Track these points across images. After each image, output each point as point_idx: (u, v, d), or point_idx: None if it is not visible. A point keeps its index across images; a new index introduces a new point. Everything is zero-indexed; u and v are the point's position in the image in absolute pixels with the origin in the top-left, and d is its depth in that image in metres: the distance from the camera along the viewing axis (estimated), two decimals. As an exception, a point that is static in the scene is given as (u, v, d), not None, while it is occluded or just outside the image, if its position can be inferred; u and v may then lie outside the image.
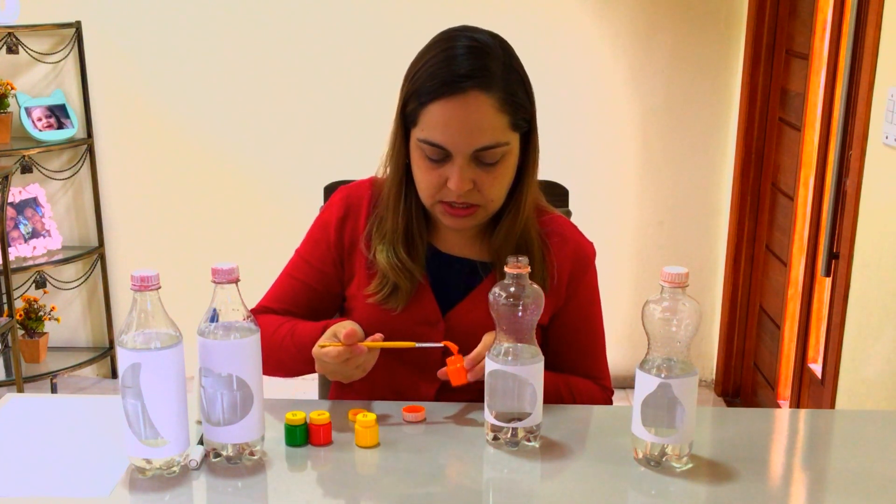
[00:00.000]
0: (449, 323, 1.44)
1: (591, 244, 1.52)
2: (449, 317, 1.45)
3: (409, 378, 1.46)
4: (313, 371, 1.43)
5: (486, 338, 1.34)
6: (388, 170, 1.44)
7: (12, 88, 3.24)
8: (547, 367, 1.29)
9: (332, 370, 1.31)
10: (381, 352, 1.40)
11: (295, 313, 1.50)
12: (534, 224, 1.45)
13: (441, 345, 1.34)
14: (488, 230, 1.45)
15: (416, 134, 1.34)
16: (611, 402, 1.54)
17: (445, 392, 1.43)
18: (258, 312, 1.50)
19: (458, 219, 1.38)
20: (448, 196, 1.35)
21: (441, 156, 1.33)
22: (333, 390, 1.60)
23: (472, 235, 1.47)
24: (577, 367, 1.50)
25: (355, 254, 1.48)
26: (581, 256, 1.49)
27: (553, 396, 1.40)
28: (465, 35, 1.35)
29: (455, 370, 1.31)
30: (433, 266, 1.46)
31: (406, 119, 1.37)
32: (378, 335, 1.33)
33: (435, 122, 1.31)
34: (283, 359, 1.43)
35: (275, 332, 1.43)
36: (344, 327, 1.30)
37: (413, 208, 1.43)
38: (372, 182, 1.51)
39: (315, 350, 1.32)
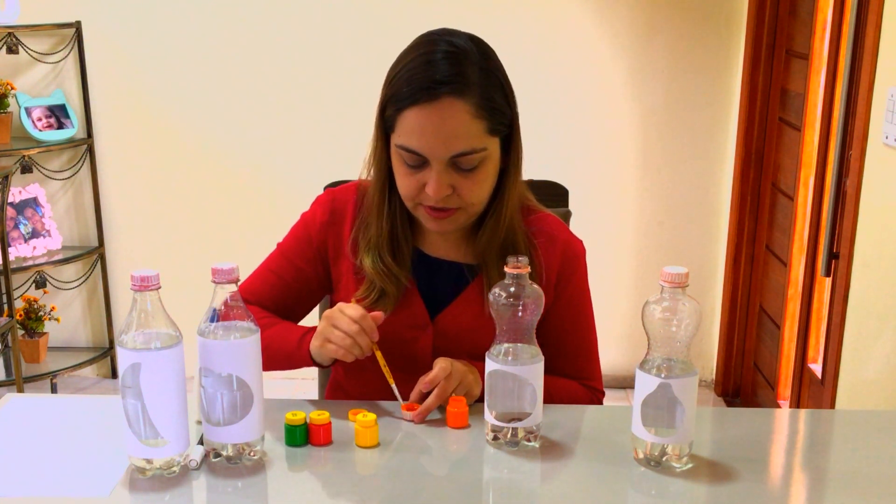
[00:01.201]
0: (437, 326, 1.44)
1: (580, 242, 1.50)
2: (437, 320, 1.44)
3: (402, 383, 1.45)
4: (273, 368, 1.42)
5: (437, 368, 1.33)
6: (370, 173, 1.43)
7: (12, 88, 3.24)
8: None
9: (337, 322, 1.30)
10: (372, 359, 1.40)
11: (268, 307, 1.50)
12: (519, 225, 1.44)
13: (403, 400, 1.36)
14: (473, 233, 1.45)
15: (394, 139, 1.34)
16: (601, 404, 1.52)
17: None
18: None
19: (439, 221, 1.38)
20: (428, 200, 1.35)
21: (419, 161, 1.33)
22: (330, 390, 1.60)
23: (458, 238, 1.46)
24: (566, 369, 1.48)
25: (341, 259, 1.48)
26: (570, 255, 1.48)
27: None
28: (444, 39, 1.34)
29: (455, 413, 1.32)
30: (420, 270, 1.46)
31: (385, 124, 1.37)
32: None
33: (411, 128, 1.31)
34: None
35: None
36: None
37: (397, 212, 1.43)
38: (357, 186, 1.50)
39: (337, 305, 1.33)
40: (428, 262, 1.47)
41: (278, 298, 1.50)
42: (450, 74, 1.29)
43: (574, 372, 1.49)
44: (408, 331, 1.43)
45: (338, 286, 1.49)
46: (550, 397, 1.42)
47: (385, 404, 1.39)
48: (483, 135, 1.32)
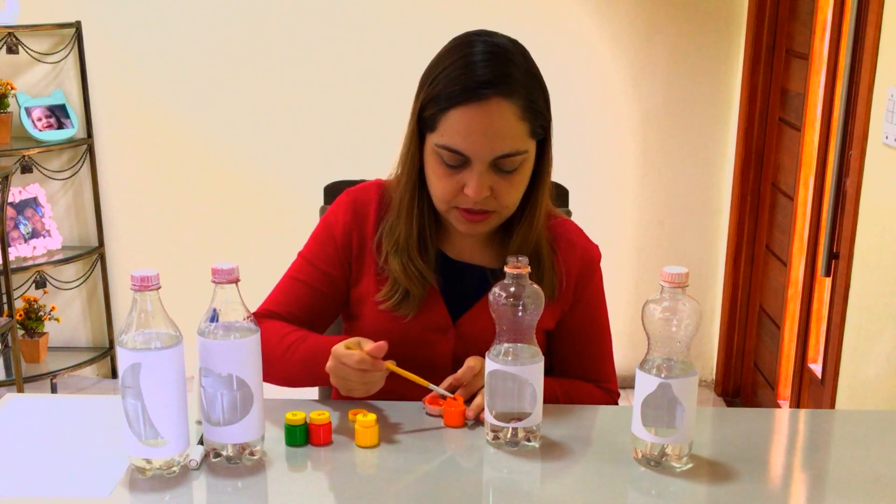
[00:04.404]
0: (459, 330, 1.44)
1: (596, 247, 1.52)
2: (459, 323, 1.44)
3: (414, 383, 1.45)
4: (314, 384, 1.42)
5: (466, 367, 1.34)
6: (400, 173, 1.42)
7: (12, 88, 3.24)
8: (552, 372, 1.27)
9: (344, 375, 1.29)
10: (385, 359, 1.40)
11: (298, 316, 1.48)
12: (544, 231, 1.45)
13: (452, 395, 1.33)
14: (498, 236, 1.45)
15: (435, 139, 1.33)
16: (616, 405, 1.53)
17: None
18: (262, 317, 1.47)
19: (473, 224, 1.37)
20: (464, 202, 1.34)
21: (459, 162, 1.32)
22: (336, 390, 1.60)
23: (483, 242, 1.46)
24: (582, 371, 1.50)
25: (364, 258, 1.47)
26: (587, 260, 1.49)
27: (549, 402, 1.40)
28: (484, 40, 1.33)
29: (453, 412, 1.31)
30: (443, 273, 1.45)
31: (423, 124, 1.35)
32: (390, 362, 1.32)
33: (456, 128, 1.30)
34: (287, 367, 1.41)
35: (282, 340, 1.41)
36: (371, 342, 1.29)
37: (426, 214, 1.42)
38: (379, 185, 1.49)
39: (337, 348, 1.30)
40: (451, 265, 1.46)
41: (308, 305, 1.48)
42: (496, 75, 1.29)
43: (591, 375, 1.51)
44: (429, 333, 1.43)
45: (358, 284, 1.48)
46: (570, 402, 1.44)
47: (385, 404, 1.39)
48: (525, 137, 1.33)
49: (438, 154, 1.33)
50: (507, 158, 1.31)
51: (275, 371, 1.39)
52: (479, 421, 1.31)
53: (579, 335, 1.49)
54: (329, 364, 1.31)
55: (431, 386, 1.33)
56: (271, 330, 1.41)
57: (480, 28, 1.38)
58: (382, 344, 1.28)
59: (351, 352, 1.28)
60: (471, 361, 1.34)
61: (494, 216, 1.37)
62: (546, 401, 1.35)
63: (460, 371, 1.34)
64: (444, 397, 1.33)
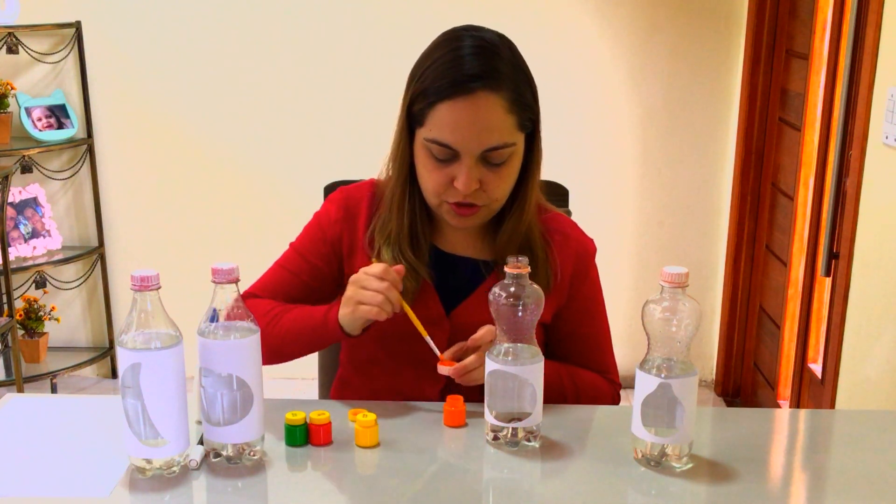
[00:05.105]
0: (453, 322, 1.44)
1: (591, 240, 1.53)
2: (453, 316, 1.45)
3: (413, 379, 1.46)
4: (300, 349, 1.42)
5: (484, 330, 1.34)
6: (391, 169, 1.44)
7: (12, 88, 3.24)
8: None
9: (363, 281, 1.30)
10: (385, 354, 1.39)
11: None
12: (536, 223, 1.46)
13: (436, 353, 1.35)
14: (490, 229, 1.46)
15: (424, 134, 1.34)
16: (618, 396, 1.54)
17: (450, 391, 1.43)
18: (245, 298, 1.47)
19: (463, 218, 1.39)
20: (454, 196, 1.36)
21: (448, 156, 1.33)
22: (336, 388, 1.60)
23: (475, 235, 1.47)
24: (583, 363, 1.51)
25: (355, 255, 1.48)
26: (582, 253, 1.50)
27: (556, 387, 1.41)
28: (471, 34, 1.35)
29: (453, 412, 1.32)
30: (436, 266, 1.46)
31: (412, 119, 1.37)
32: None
33: (444, 122, 1.31)
34: (273, 333, 1.41)
35: (266, 313, 1.42)
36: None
37: (417, 208, 1.43)
38: (371, 184, 1.51)
39: (363, 268, 1.33)
40: (444, 258, 1.47)
41: (293, 295, 1.50)
42: (483, 69, 1.30)
43: (593, 367, 1.52)
44: (423, 326, 1.43)
45: None
46: (576, 389, 1.45)
47: (385, 404, 1.39)
48: (514, 130, 1.34)
49: (427, 148, 1.34)
50: (496, 151, 1.33)
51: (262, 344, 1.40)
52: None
53: (579, 329, 1.50)
54: (349, 290, 1.32)
55: (427, 339, 1.35)
56: (255, 306, 1.43)
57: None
58: (401, 267, 1.34)
59: (375, 262, 1.34)
60: (488, 326, 1.32)
61: (484, 209, 1.39)
62: (553, 388, 1.36)
63: (478, 333, 1.33)
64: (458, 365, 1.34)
